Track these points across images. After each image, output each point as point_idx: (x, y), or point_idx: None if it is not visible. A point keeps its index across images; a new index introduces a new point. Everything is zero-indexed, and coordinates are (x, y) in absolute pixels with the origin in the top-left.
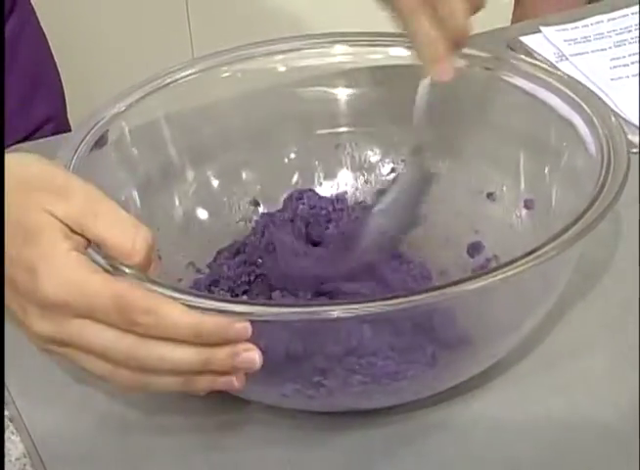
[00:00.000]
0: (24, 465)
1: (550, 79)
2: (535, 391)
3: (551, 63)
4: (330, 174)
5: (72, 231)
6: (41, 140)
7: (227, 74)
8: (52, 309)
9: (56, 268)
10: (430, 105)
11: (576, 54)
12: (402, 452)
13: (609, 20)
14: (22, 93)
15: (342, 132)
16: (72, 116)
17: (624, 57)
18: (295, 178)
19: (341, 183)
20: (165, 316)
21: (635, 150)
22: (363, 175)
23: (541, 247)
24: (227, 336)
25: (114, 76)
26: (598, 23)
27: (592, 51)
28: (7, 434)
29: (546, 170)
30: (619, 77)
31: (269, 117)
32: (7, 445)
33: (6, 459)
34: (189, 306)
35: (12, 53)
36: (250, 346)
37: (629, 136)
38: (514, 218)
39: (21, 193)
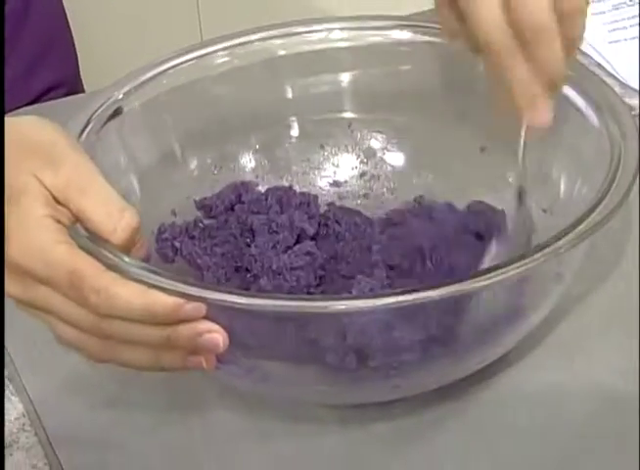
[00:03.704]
0: (23, 425)
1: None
2: (542, 381)
3: None
4: (330, 160)
5: (57, 202)
6: (51, 102)
7: (225, 59)
8: (19, 273)
9: (25, 232)
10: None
11: None
12: (409, 445)
13: None
14: (32, 55)
15: (344, 118)
16: (86, 81)
17: (622, 20)
18: (293, 166)
19: (341, 170)
20: (116, 297)
21: (634, 112)
22: (364, 163)
23: (551, 242)
24: (179, 317)
25: (128, 42)
26: None
27: (590, 14)
28: (6, 393)
29: (554, 158)
30: (617, 40)
31: (268, 101)
32: (6, 405)
33: (5, 418)
34: (150, 286)
35: (24, 13)
36: (213, 327)
37: (627, 99)
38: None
39: (18, 156)
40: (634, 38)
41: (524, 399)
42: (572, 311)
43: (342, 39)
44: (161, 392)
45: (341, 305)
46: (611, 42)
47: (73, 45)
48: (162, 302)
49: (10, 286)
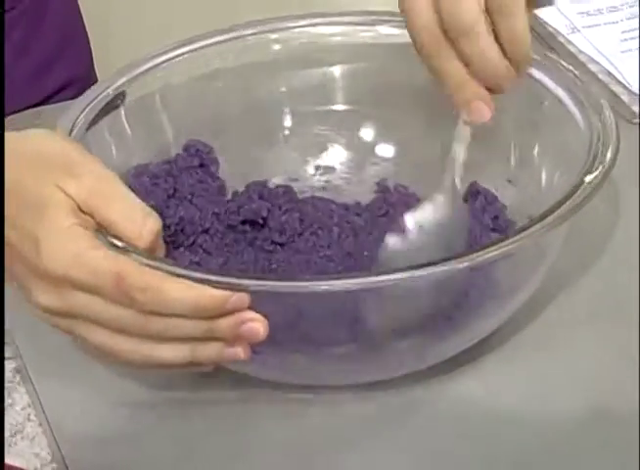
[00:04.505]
0: (29, 415)
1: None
2: (524, 369)
3: (563, 35)
4: (324, 154)
5: (81, 210)
6: (62, 103)
7: (219, 53)
8: (55, 282)
9: (58, 241)
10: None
11: (588, 26)
12: (388, 429)
13: None
14: (47, 53)
15: (337, 111)
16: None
17: (635, 30)
18: (289, 158)
19: (334, 163)
20: (165, 293)
21: (636, 120)
22: (357, 155)
23: (531, 225)
24: (226, 309)
25: (144, 40)
26: None
27: (604, 24)
28: (13, 384)
29: (535, 148)
30: (629, 50)
31: (263, 95)
32: (13, 394)
33: (12, 409)
34: (196, 280)
35: (40, 12)
36: (255, 316)
37: (635, 108)
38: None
39: (37, 168)
40: None
41: (507, 384)
42: (558, 300)
43: (333, 34)
44: (162, 385)
45: (326, 285)
46: (623, 51)
47: (88, 42)
48: (210, 295)
49: (46, 298)
